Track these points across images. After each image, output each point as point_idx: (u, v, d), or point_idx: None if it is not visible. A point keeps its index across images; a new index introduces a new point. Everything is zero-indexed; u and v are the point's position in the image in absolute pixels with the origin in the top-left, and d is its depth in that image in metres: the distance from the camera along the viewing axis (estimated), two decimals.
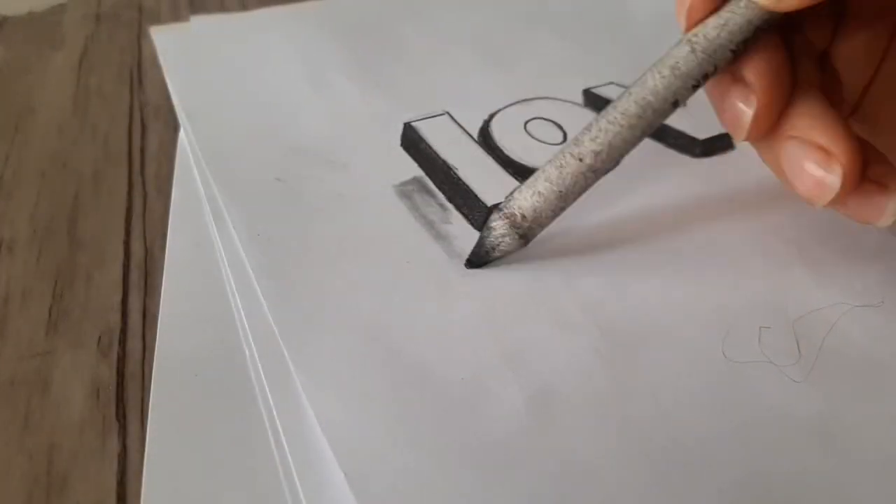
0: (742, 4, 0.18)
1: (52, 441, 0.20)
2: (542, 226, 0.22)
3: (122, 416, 0.20)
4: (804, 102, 0.19)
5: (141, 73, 0.35)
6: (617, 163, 0.21)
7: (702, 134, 0.28)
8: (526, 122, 0.29)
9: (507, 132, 0.28)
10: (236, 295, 0.22)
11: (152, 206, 0.27)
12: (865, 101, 0.21)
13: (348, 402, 0.19)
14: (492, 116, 0.29)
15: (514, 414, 0.19)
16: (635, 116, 0.20)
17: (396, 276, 0.22)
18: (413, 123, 0.28)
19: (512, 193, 0.22)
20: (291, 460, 0.18)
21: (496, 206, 0.22)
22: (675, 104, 0.20)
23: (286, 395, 0.19)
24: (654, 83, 0.19)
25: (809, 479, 0.17)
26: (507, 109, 0.29)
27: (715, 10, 0.19)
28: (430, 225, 0.24)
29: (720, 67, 0.19)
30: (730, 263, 0.23)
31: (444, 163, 0.27)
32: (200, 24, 0.35)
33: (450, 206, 0.25)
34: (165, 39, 0.34)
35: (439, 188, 0.26)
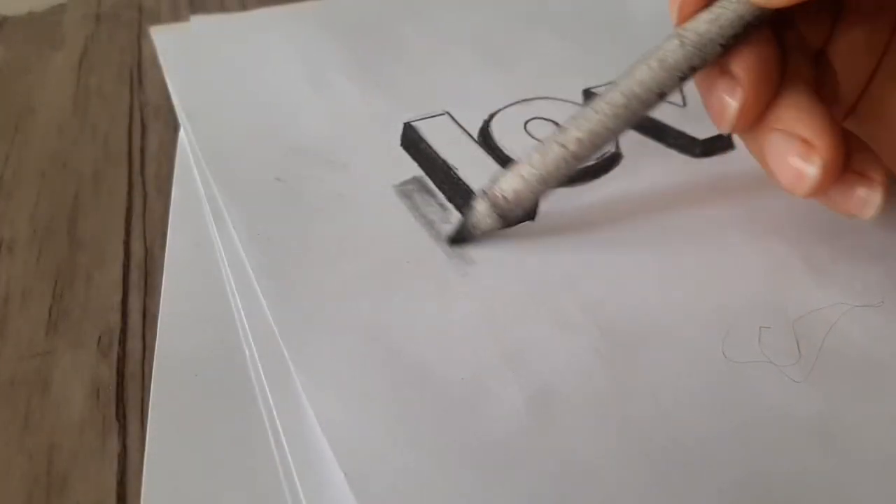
0: (733, 0, 0.18)
1: (52, 441, 0.20)
2: (523, 207, 0.23)
3: (122, 416, 0.20)
4: (791, 96, 0.19)
5: (141, 73, 0.35)
6: (600, 149, 0.21)
7: (702, 134, 0.28)
8: (526, 122, 0.29)
9: (507, 132, 0.28)
10: (236, 295, 0.22)
11: (152, 206, 0.27)
12: (866, 97, 0.21)
13: (348, 402, 0.19)
14: (492, 116, 0.29)
15: (514, 414, 0.19)
16: (621, 107, 0.20)
17: (396, 275, 0.22)
18: (413, 123, 0.28)
19: (497, 176, 0.23)
20: (291, 460, 0.18)
21: (482, 189, 0.23)
22: (662, 96, 0.20)
23: (286, 395, 0.19)
24: (642, 75, 0.20)
25: (809, 479, 0.17)
26: (507, 109, 0.29)
27: (706, 5, 0.19)
28: (430, 225, 0.24)
29: (708, 61, 0.19)
30: (730, 263, 0.23)
31: (444, 163, 0.27)
32: (200, 24, 0.35)
33: (450, 206, 0.25)
34: (165, 39, 0.34)
35: (439, 188, 0.26)
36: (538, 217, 0.24)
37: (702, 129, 0.28)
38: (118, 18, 0.39)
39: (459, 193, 0.25)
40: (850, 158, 0.19)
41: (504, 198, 0.22)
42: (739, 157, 0.27)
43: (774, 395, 0.19)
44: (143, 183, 0.28)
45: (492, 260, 0.23)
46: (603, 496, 0.17)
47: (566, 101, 0.30)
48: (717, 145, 0.27)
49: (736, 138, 0.27)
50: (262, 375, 0.20)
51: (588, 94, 0.30)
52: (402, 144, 0.28)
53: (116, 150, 0.30)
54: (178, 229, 0.25)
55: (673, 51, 0.19)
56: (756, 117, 0.20)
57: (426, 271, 0.22)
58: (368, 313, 0.21)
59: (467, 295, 0.22)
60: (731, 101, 0.19)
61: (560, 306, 0.21)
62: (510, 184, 0.22)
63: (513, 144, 0.28)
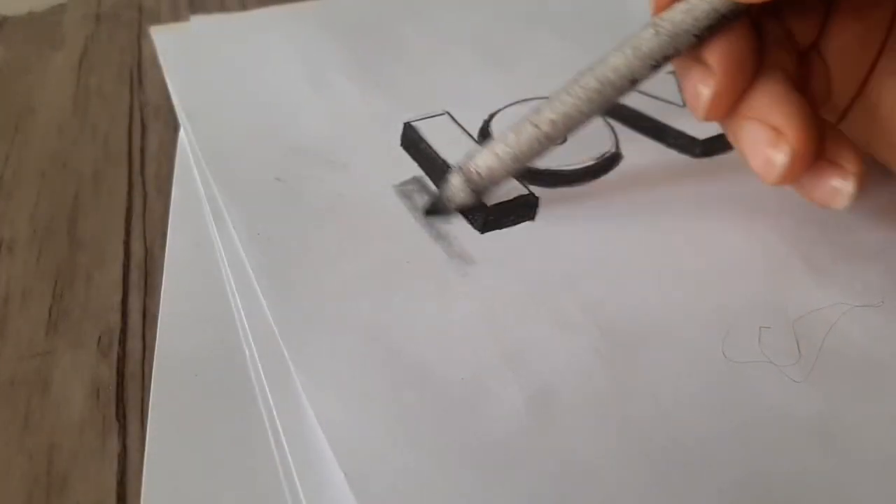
0: None
1: (52, 441, 0.20)
2: (496, 183, 0.24)
3: (122, 416, 0.20)
4: (767, 85, 0.20)
5: (141, 73, 0.35)
6: (572, 131, 0.22)
7: (702, 134, 0.28)
8: None
9: None
10: (236, 295, 0.22)
11: (152, 206, 0.27)
12: (863, 94, 0.21)
13: (348, 402, 0.19)
14: (492, 116, 0.29)
15: (514, 414, 0.19)
16: (595, 91, 0.21)
17: (396, 275, 0.22)
18: (413, 123, 0.28)
19: (472, 153, 0.23)
20: (291, 460, 0.18)
21: (457, 164, 0.24)
22: (634, 82, 0.21)
23: (286, 395, 0.19)
24: (616, 61, 0.20)
25: (809, 479, 0.17)
26: (507, 109, 0.29)
27: None
28: (430, 225, 0.24)
29: (682, 51, 0.20)
30: (730, 263, 0.23)
31: (444, 163, 0.27)
32: (200, 24, 0.35)
33: None
34: (165, 39, 0.34)
35: (439, 188, 0.26)
36: (538, 217, 0.24)
37: (702, 129, 0.28)
38: (118, 18, 0.39)
39: None
40: (825, 148, 0.19)
41: (478, 173, 0.23)
42: (739, 157, 0.27)
43: (774, 395, 0.19)
44: (143, 183, 0.28)
45: (492, 260, 0.23)
46: (603, 496, 0.17)
47: None
48: (717, 145, 0.27)
49: None
50: (262, 375, 0.20)
51: None
52: (402, 144, 0.28)
53: (116, 150, 0.30)
54: (178, 229, 0.25)
55: (648, 39, 0.20)
56: (729, 106, 0.20)
57: (426, 271, 0.22)
58: (368, 313, 0.21)
59: (467, 295, 0.22)
60: (704, 90, 0.20)
61: (560, 306, 0.21)
62: (485, 160, 0.23)
63: None
